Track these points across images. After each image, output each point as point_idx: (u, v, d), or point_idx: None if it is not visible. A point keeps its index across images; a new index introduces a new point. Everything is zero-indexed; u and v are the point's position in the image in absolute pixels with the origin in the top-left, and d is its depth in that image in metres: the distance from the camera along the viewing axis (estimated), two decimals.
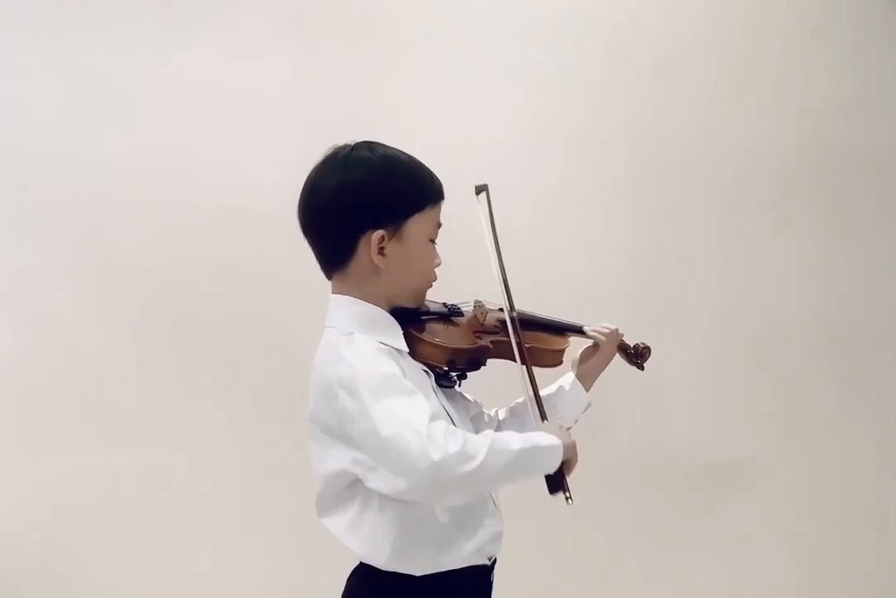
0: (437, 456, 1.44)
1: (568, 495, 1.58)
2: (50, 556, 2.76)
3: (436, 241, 1.73)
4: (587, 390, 1.91)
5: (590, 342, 1.93)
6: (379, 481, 1.53)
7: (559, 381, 1.94)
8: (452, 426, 1.50)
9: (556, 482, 1.59)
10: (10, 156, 2.80)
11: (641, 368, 1.99)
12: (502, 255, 1.76)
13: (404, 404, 1.50)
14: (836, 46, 3.54)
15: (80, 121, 2.85)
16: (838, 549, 3.40)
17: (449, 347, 1.69)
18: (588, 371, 1.92)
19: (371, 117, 2.96)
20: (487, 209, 1.78)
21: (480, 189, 1.83)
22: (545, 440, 1.58)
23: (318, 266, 1.73)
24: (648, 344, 1.98)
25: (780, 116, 3.45)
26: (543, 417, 1.68)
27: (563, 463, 1.60)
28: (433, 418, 1.49)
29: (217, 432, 2.88)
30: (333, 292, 1.70)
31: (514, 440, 1.54)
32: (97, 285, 2.83)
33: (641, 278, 3.28)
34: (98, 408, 2.81)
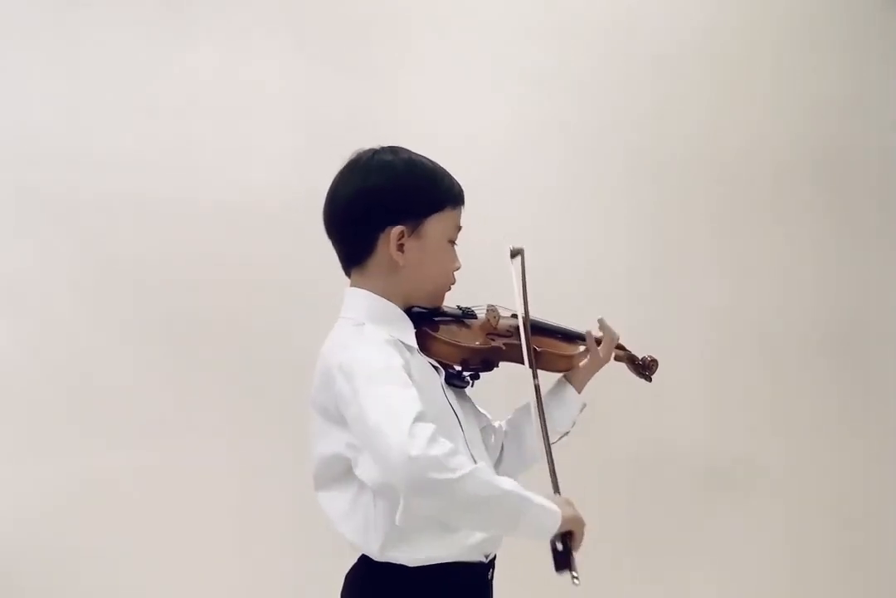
0: (414, 452, 1.42)
1: (574, 574, 1.50)
2: (46, 556, 2.75)
3: (456, 243, 1.74)
4: (579, 391, 1.91)
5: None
6: (362, 467, 1.56)
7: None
8: (442, 438, 1.47)
9: (563, 559, 1.51)
10: (11, 155, 2.80)
11: (649, 380, 2.01)
12: (529, 317, 1.75)
13: (395, 396, 1.50)
14: (834, 46, 3.54)
15: (79, 120, 2.85)
16: (839, 550, 3.40)
17: (463, 346, 1.72)
18: (581, 374, 1.92)
19: (371, 116, 2.97)
20: (521, 273, 1.76)
21: (516, 253, 1.79)
22: (541, 500, 1.53)
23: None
24: (656, 357, 1.99)
25: (778, 115, 3.45)
26: (556, 490, 1.61)
27: (569, 538, 1.54)
28: (421, 417, 1.47)
29: (216, 432, 2.87)
30: (351, 286, 1.73)
31: (507, 481, 1.52)
32: (97, 285, 2.83)
33: (641, 278, 3.28)
34: (97, 407, 2.80)
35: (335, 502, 1.65)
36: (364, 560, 1.65)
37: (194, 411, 2.87)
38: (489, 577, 1.72)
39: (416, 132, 2.90)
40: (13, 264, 2.78)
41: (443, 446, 1.45)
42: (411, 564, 1.61)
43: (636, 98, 3.31)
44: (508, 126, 3.18)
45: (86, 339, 2.82)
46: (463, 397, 1.77)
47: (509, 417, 1.93)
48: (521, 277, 1.76)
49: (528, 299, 1.76)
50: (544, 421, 1.67)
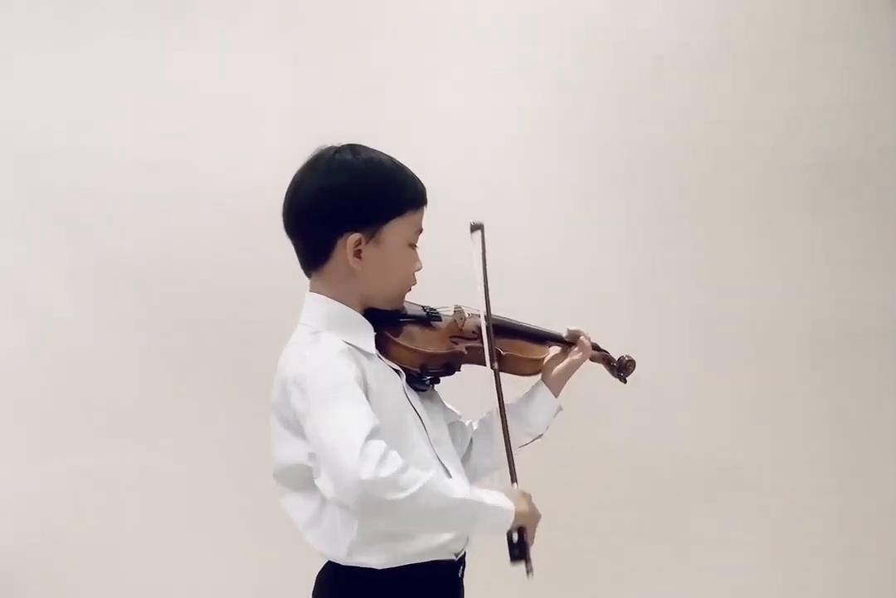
0: (365, 476, 1.43)
1: (529, 567, 1.53)
2: (46, 556, 2.76)
3: (416, 245, 1.72)
4: (556, 395, 1.89)
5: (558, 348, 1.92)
6: (322, 479, 1.57)
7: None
8: (394, 452, 1.47)
9: (517, 551, 1.54)
10: (10, 154, 2.80)
11: (624, 381, 1.97)
12: (489, 295, 1.73)
13: (347, 415, 1.50)
14: (837, 45, 3.53)
15: (80, 120, 2.85)
16: (836, 552, 3.39)
17: (422, 351, 1.69)
18: (557, 376, 1.89)
19: (371, 117, 2.96)
20: (481, 249, 1.75)
21: (476, 227, 1.77)
22: (494, 500, 1.55)
23: None
24: (634, 358, 1.95)
25: (779, 117, 3.44)
26: (514, 479, 1.64)
27: (523, 531, 1.56)
28: (373, 435, 1.47)
29: (216, 431, 2.88)
30: (310, 290, 1.73)
31: (458, 488, 1.53)
32: (96, 284, 2.83)
33: (640, 279, 3.28)
34: (96, 407, 2.81)
35: (300, 510, 1.66)
36: (331, 563, 1.66)
37: (195, 410, 2.87)
38: (459, 575, 1.72)
39: (417, 132, 2.92)
40: (13, 264, 2.78)
41: (393, 464, 1.45)
42: (378, 566, 1.61)
43: (638, 98, 3.30)
44: (508, 125, 3.18)
45: (85, 338, 2.82)
46: (428, 397, 1.76)
47: (483, 416, 1.90)
48: (481, 254, 1.73)
49: (489, 281, 1.72)
50: (502, 402, 1.68)
